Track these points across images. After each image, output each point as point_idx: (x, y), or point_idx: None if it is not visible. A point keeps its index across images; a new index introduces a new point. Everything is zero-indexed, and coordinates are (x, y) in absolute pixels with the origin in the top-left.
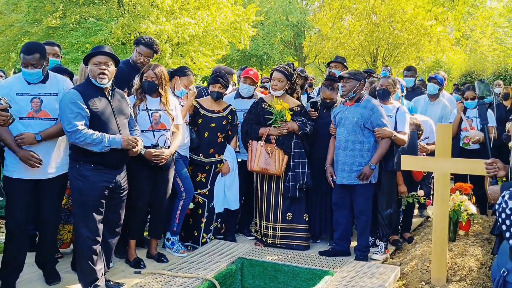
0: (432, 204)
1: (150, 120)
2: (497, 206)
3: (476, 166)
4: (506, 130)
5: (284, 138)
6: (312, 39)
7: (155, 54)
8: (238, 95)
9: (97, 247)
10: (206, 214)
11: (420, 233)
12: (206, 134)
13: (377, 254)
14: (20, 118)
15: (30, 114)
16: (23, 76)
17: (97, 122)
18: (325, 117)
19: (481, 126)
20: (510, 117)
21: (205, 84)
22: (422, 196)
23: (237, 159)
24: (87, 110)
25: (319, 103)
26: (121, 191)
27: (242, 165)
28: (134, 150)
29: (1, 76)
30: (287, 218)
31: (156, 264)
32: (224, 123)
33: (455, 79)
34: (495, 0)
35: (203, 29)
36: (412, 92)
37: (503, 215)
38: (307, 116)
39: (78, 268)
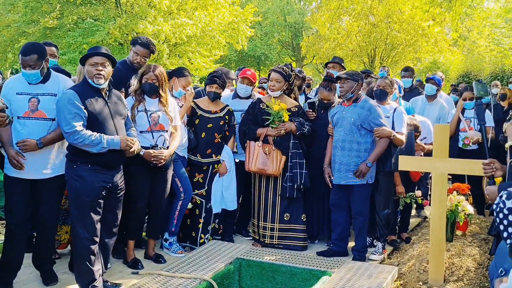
0: (429, 205)
1: (149, 121)
2: (494, 206)
3: (474, 167)
4: (504, 130)
5: (282, 139)
6: (310, 40)
7: (152, 54)
8: (236, 95)
9: (95, 248)
10: (203, 214)
11: (418, 233)
12: (203, 135)
13: (375, 254)
14: (18, 117)
15: (27, 114)
16: (22, 76)
17: (94, 122)
18: (323, 118)
19: (478, 126)
20: (507, 118)
21: (203, 85)
22: (419, 197)
23: (234, 159)
24: (85, 111)
25: (316, 104)
26: (118, 191)
27: (240, 166)
28: (130, 150)
29: None
30: (285, 218)
31: (154, 264)
32: (221, 123)
33: (452, 80)
34: (493, 1)
35: (200, 30)
36: (410, 93)
37: (501, 215)
38: (304, 116)
39: (76, 269)
